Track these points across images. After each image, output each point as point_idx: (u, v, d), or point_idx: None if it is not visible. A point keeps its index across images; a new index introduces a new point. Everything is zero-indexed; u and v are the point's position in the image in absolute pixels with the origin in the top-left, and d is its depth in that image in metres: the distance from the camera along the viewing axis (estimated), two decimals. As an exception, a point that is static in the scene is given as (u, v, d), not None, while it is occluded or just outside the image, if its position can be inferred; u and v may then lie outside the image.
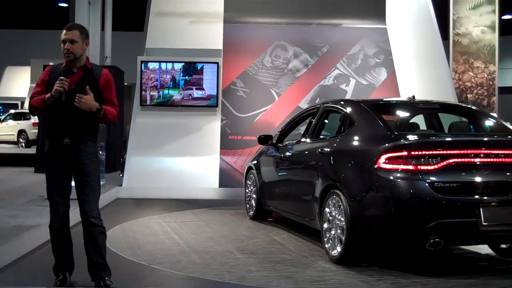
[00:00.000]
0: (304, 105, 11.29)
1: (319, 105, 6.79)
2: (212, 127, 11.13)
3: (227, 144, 11.13)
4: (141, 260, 5.41)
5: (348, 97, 11.45)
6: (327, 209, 5.53)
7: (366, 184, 5.05)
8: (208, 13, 12.00)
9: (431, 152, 4.84)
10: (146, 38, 11.76)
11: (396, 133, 5.27)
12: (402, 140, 5.04)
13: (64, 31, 4.37)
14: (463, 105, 7.78)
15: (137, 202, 9.66)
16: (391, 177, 4.83)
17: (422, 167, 4.79)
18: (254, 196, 7.82)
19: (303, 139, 6.64)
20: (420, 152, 4.84)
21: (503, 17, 20.32)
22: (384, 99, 7.39)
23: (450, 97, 11.45)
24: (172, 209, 8.85)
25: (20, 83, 28.88)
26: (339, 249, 5.28)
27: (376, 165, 4.94)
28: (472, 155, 4.86)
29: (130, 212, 8.53)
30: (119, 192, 10.15)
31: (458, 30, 14.67)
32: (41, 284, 4.56)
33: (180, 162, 10.78)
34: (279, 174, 7.08)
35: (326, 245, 5.51)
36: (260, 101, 11.60)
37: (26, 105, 26.42)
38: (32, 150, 16.76)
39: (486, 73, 14.60)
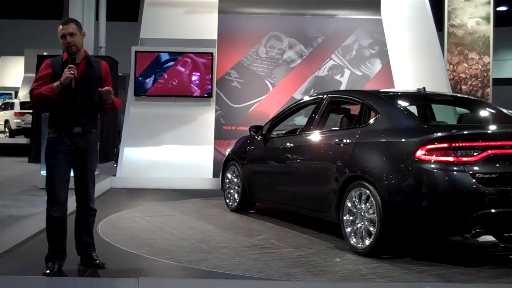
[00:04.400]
0: (298, 95, 11.27)
1: (321, 96, 6.66)
2: (206, 117, 11.11)
3: (221, 135, 11.12)
4: (164, 259, 5.07)
5: (342, 88, 11.44)
6: (348, 201, 5.46)
7: (402, 176, 4.99)
8: (203, 3, 11.97)
9: (471, 144, 4.88)
10: (141, 28, 11.72)
11: (429, 124, 5.28)
12: (440, 132, 5.05)
13: (61, 27, 4.55)
14: (477, 98, 7.80)
15: (131, 192, 9.63)
16: (432, 169, 4.84)
17: (463, 159, 4.82)
18: (237, 188, 7.64)
19: (307, 130, 6.47)
20: (461, 144, 4.87)
21: (498, 9, 20.36)
22: (399, 91, 7.24)
23: (445, 88, 11.44)
24: (162, 199, 8.80)
25: (14, 73, 28.84)
26: (367, 242, 5.21)
27: (414, 157, 4.93)
28: (508, 146, 4.92)
29: (123, 203, 8.49)
30: (113, 182, 10.14)
31: (453, 22, 14.65)
32: (34, 274, 4.55)
33: (174, 152, 10.77)
34: (277, 165, 6.90)
35: (352, 239, 5.38)
36: (254, 92, 11.58)
37: (20, 95, 26.40)
38: (25, 140, 16.70)
39: (480, 65, 14.59)
